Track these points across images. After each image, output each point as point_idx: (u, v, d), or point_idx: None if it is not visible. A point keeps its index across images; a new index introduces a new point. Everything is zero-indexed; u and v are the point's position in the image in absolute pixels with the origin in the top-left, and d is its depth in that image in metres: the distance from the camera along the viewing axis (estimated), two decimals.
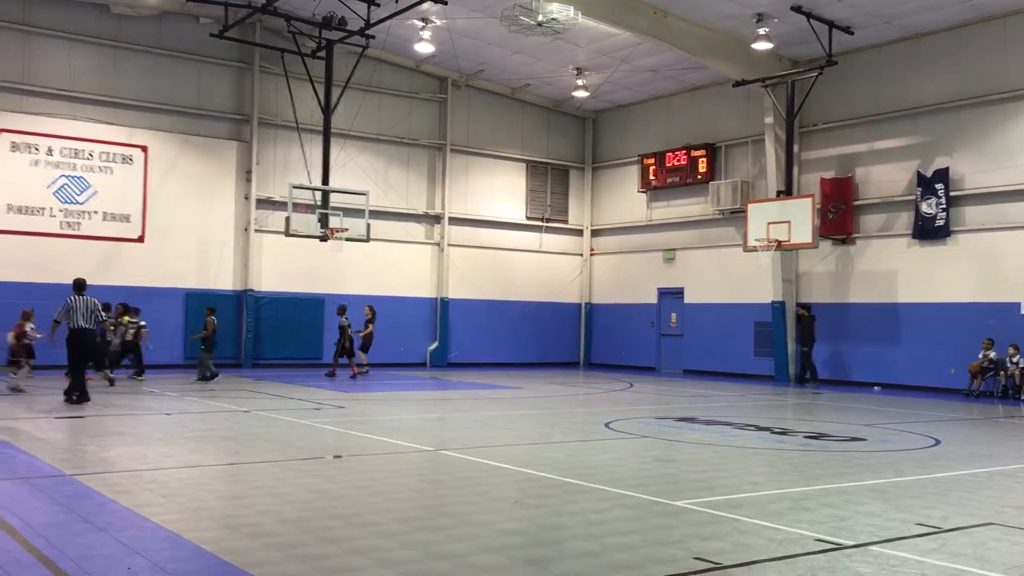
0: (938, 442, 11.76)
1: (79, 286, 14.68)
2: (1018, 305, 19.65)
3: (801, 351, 22.88)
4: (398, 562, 5.41)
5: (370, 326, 22.24)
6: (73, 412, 13.04)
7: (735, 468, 9.36)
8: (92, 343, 15.09)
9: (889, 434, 12.61)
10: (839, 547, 5.96)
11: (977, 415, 16.04)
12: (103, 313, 15.23)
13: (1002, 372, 19.48)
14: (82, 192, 21.99)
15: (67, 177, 21.82)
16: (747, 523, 6.66)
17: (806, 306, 23.02)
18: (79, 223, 21.90)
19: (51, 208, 21.62)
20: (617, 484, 8.15)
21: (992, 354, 19.58)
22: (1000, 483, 8.76)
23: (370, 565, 5.34)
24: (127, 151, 22.63)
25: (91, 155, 22.15)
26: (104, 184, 22.26)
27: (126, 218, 22.50)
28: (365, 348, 22.32)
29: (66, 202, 21.79)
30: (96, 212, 22.13)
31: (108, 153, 22.38)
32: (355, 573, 5.18)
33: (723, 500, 7.51)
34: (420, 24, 22.67)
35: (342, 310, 21.74)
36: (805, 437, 12.08)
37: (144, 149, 22.88)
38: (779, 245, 21.99)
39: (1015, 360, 19.19)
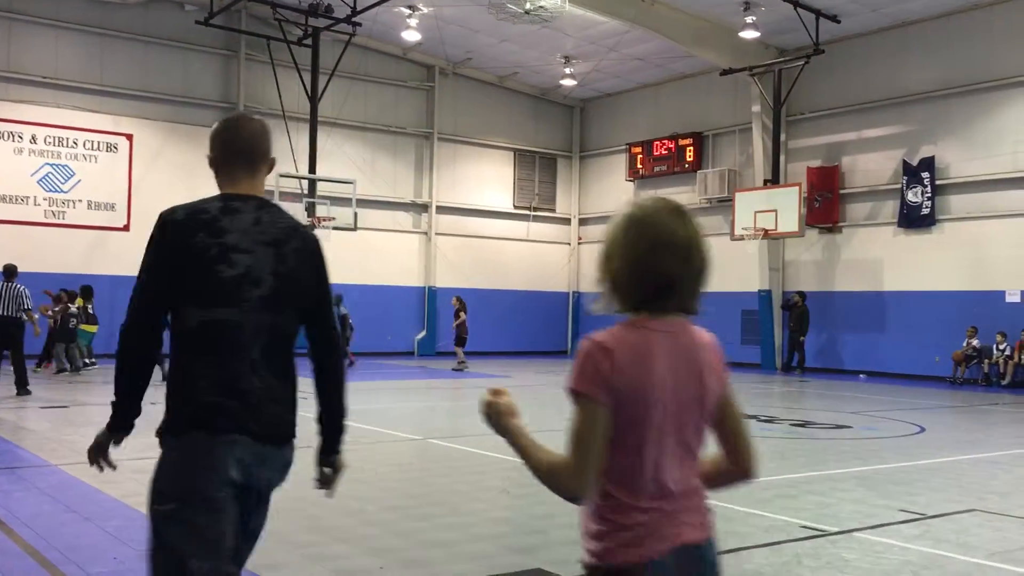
0: (922, 429, 11.86)
1: (8, 273, 13.94)
2: (1003, 293, 19.79)
3: (793, 338, 22.91)
4: (387, 550, 5.43)
5: (461, 315, 21.66)
6: (57, 402, 12.98)
7: None
8: (9, 332, 13.78)
9: (874, 422, 12.70)
10: (824, 533, 6.01)
11: (961, 403, 16.17)
12: (28, 301, 14.17)
13: (986, 360, 19.63)
14: (67, 180, 21.83)
15: (51, 165, 21.65)
16: (733, 510, 6.70)
17: (801, 294, 23.02)
18: (64, 212, 21.75)
19: (35, 197, 21.46)
20: None
21: (976, 342, 19.73)
22: (983, 470, 8.84)
23: (358, 553, 5.35)
24: (112, 139, 22.47)
25: (76, 143, 21.99)
26: (89, 173, 22.10)
27: (111, 207, 22.36)
28: (461, 341, 21.69)
29: (50, 191, 21.63)
30: (81, 201, 21.98)
31: (93, 141, 22.22)
32: (343, 561, 5.19)
33: None
34: (407, 11, 22.56)
35: (338, 300, 21.56)
36: (791, 425, 12.15)
37: (129, 137, 22.73)
38: (766, 234, 22.05)
39: (1002, 348, 19.34)
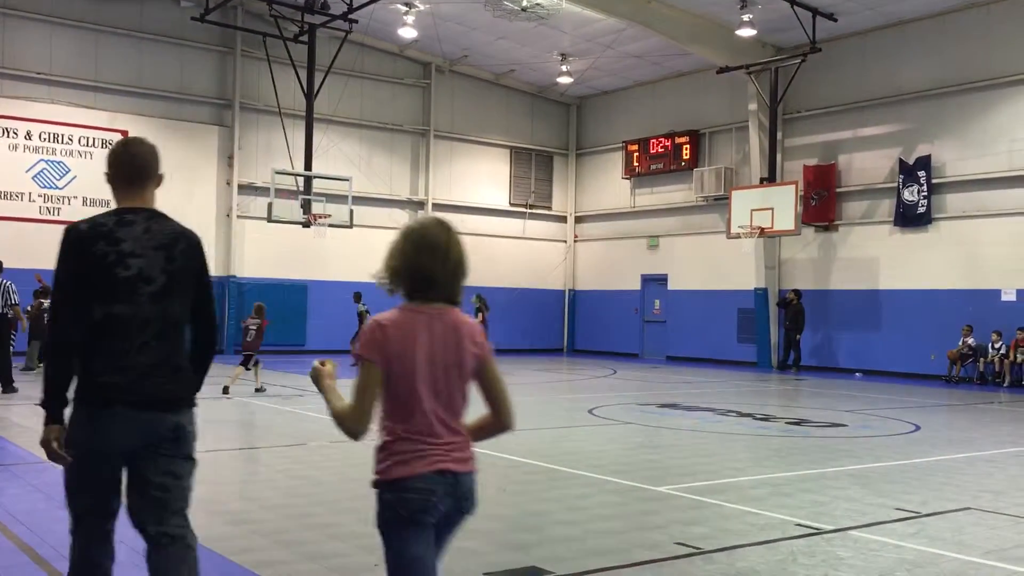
0: (918, 428, 11.87)
1: None
2: (998, 292, 19.82)
3: (788, 337, 22.89)
4: (381, 547, 5.41)
5: (481, 314, 21.45)
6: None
7: (717, 454, 9.42)
8: None
9: (869, 420, 12.72)
10: (819, 532, 6.01)
11: (956, 401, 16.19)
12: (15, 296, 13.92)
13: (981, 358, 19.66)
14: (61, 177, 21.78)
15: (46, 162, 21.61)
16: (729, 508, 6.70)
17: (796, 292, 23.02)
18: (59, 208, 21.70)
19: (30, 193, 21.41)
20: (600, 470, 8.18)
21: (971, 340, 19.76)
22: (978, 468, 8.85)
23: (353, 551, 5.35)
24: (107, 136, 22.41)
25: (71, 140, 21.94)
26: (84, 169, 22.04)
27: (106, 203, 22.19)
28: None
29: (45, 187, 21.59)
30: (76, 197, 21.93)
31: (88, 138, 22.17)
32: (338, 559, 5.18)
33: (705, 486, 7.56)
34: (403, 8, 22.53)
35: (358, 297, 21.70)
36: (787, 423, 12.16)
37: (124, 134, 22.65)
38: (762, 232, 22.07)
39: (997, 346, 19.37)
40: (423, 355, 2.83)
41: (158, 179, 3.67)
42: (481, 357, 2.93)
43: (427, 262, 2.88)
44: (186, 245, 3.56)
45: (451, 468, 2.85)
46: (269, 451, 8.93)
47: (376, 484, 2.89)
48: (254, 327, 14.83)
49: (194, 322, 3.60)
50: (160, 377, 3.40)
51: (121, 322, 3.35)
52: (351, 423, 2.84)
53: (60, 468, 3.45)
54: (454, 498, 2.87)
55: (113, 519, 3.53)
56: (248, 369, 14.61)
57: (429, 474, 2.81)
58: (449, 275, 2.92)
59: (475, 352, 2.91)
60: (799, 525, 6.17)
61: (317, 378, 3.00)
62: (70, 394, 3.38)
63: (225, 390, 13.85)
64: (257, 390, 14.59)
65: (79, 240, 3.40)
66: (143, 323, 3.38)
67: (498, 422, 3.02)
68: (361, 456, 8.86)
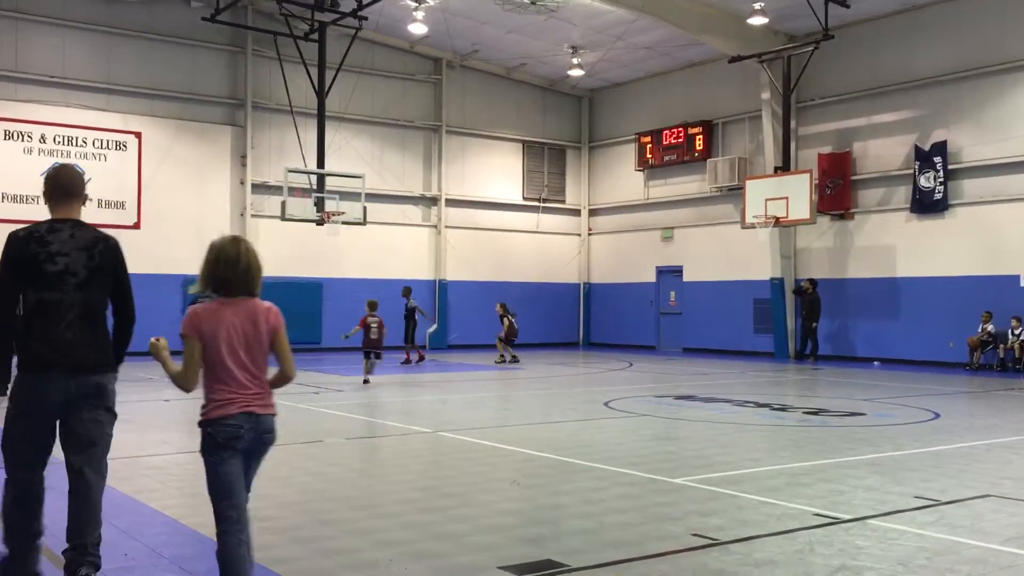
0: (937, 415, 11.77)
1: None
2: (1017, 277, 19.62)
3: (805, 326, 22.76)
4: (397, 543, 5.41)
5: (506, 321, 22.36)
6: None
7: (734, 445, 9.37)
8: None
9: (888, 408, 12.62)
10: (837, 521, 5.96)
11: (976, 388, 16.05)
12: None
13: (1001, 345, 19.48)
14: None
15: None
16: (746, 499, 6.66)
17: (812, 281, 22.87)
18: None
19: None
20: (616, 462, 8.15)
21: (991, 327, 19.58)
22: (998, 455, 8.77)
23: (368, 546, 5.34)
24: (121, 137, 22.53)
25: (85, 142, 22.05)
26: (98, 171, 22.16)
27: (121, 205, 22.44)
28: (509, 341, 22.21)
29: None
30: (91, 200, 22.01)
31: (102, 140, 22.28)
32: (354, 554, 5.18)
33: (722, 477, 7.52)
34: (413, 4, 22.47)
35: (407, 292, 21.98)
36: (804, 413, 12.08)
37: (138, 135, 22.78)
38: (777, 221, 21.93)
39: (1017, 332, 19.19)
40: (229, 331, 3.97)
41: (83, 198, 4.77)
42: (273, 330, 4.08)
43: (224, 270, 4.02)
44: (104, 247, 4.56)
45: (254, 410, 3.99)
46: (285, 448, 8.94)
47: (200, 423, 4.00)
48: (375, 323, 16.42)
49: (114, 307, 4.65)
50: (84, 348, 4.40)
51: (52, 305, 4.36)
52: (183, 381, 4.01)
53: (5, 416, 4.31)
54: (256, 432, 4.00)
55: (43, 468, 4.48)
56: (371, 360, 16.25)
57: (238, 414, 3.94)
58: (242, 277, 4.04)
59: (268, 327, 4.06)
60: (817, 515, 6.12)
61: (155, 351, 4.11)
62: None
63: (366, 381, 15.86)
64: (364, 382, 15.97)
65: (17, 242, 4.45)
66: (69, 306, 4.39)
67: (284, 374, 4.17)
68: (376, 453, 8.88)
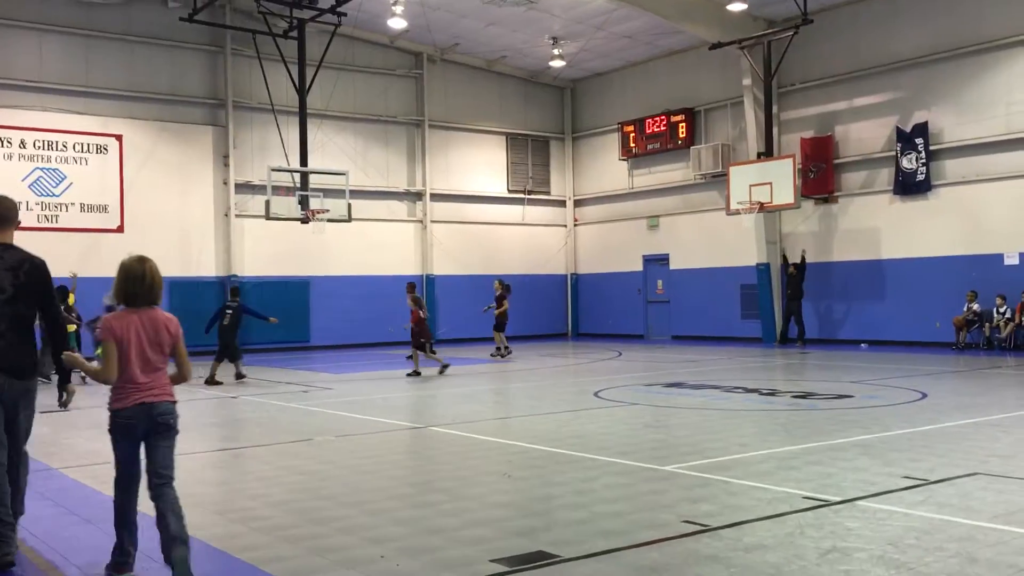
0: (924, 395, 11.85)
1: None
2: (1001, 256, 19.75)
3: (790, 307, 22.84)
4: (389, 539, 5.41)
5: (504, 302, 21.09)
6: (56, 407, 12.94)
7: (724, 431, 9.40)
8: None
9: (876, 390, 12.69)
10: (827, 503, 6.00)
11: (963, 367, 16.16)
12: None
13: (987, 324, 19.61)
14: (58, 184, 21.75)
15: (42, 170, 21.56)
16: (736, 484, 6.69)
17: (796, 262, 22.92)
18: (56, 216, 21.68)
19: (27, 202, 21.35)
20: (606, 452, 8.17)
21: (976, 306, 19.70)
22: (986, 433, 8.83)
23: (361, 543, 5.34)
24: (102, 141, 22.38)
25: (65, 146, 21.89)
26: (80, 175, 22.01)
27: (104, 209, 22.29)
28: (501, 327, 21.08)
29: (42, 195, 21.56)
30: (73, 204, 21.90)
31: (82, 144, 22.13)
32: (346, 552, 5.18)
33: (712, 463, 7.55)
34: None
35: (411, 287, 21.85)
36: (793, 397, 12.14)
37: (119, 138, 22.62)
38: (762, 207, 21.99)
39: (1002, 311, 19.32)
40: (135, 335, 4.73)
41: (17, 223, 5.37)
42: (174, 338, 4.87)
43: (132, 286, 4.80)
44: (30, 267, 5.18)
45: (147, 400, 4.74)
46: (275, 448, 8.93)
47: (109, 410, 4.79)
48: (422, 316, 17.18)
49: (42, 320, 5.38)
50: (14, 355, 5.11)
51: None
52: (103, 376, 4.75)
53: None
54: (151, 416, 4.74)
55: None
56: (421, 352, 16.93)
57: (133, 406, 4.73)
58: (147, 291, 4.82)
59: (171, 336, 4.85)
60: (807, 498, 6.16)
61: (72, 362, 5.18)
62: None
63: (416, 373, 16.51)
64: (410, 375, 16.52)
65: None
66: (1, 318, 5.06)
67: (181, 375, 4.99)
68: (366, 450, 8.87)
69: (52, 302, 5.32)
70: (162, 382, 4.83)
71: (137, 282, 4.79)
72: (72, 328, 18.70)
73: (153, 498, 4.74)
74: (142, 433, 4.76)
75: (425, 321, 17.31)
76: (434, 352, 17.14)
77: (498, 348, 21.06)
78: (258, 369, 18.85)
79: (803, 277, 22.61)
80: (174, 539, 4.63)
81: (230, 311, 16.39)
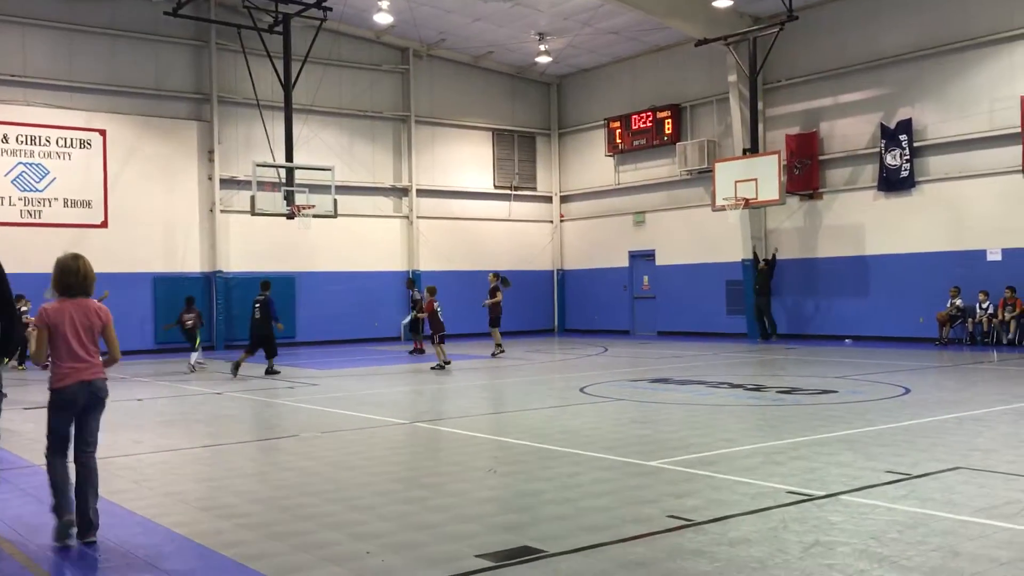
0: (908, 391, 11.92)
1: None
2: (984, 252, 19.89)
3: (760, 303, 23.16)
4: (374, 535, 5.41)
5: (498, 295, 20.16)
6: (40, 403, 12.87)
7: (709, 426, 9.44)
8: None
9: (860, 385, 12.76)
10: (810, 498, 6.03)
11: (946, 363, 16.27)
12: None
13: (970, 319, 19.74)
14: (41, 179, 21.60)
15: (25, 164, 21.41)
16: (720, 479, 6.72)
17: (767, 258, 23.29)
18: (40, 211, 21.54)
19: (10, 197, 21.23)
20: (592, 447, 8.19)
21: (959, 302, 19.83)
22: (968, 428, 8.90)
23: (346, 539, 5.33)
24: (85, 135, 22.23)
25: (48, 141, 21.74)
26: (63, 170, 21.87)
27: (87, 204, 22.16)
28: (495, 322, 20.29)
29: (25, 190, 21.40)
30: (56, 199, 21.76)
31: (65, 138, 21.97)
32: (331, 548, 5.17)
33: (697, 458, 7.57)
34: None
35: (411, 283, 22.12)
36: (778, 392, 12.19)
37: (102, 133, 22.48)
38: (747, 203, 22.06)
39: (984, 306, 19.45)
40: (69, 321, 5.43)
41: None
42: (104, 324, 5.57)
43: (66, 279, 5.51)
44: None
45: (85, 378, 5.45)
46: (259, 444, 8.91)
47: (49, 389, 5.45)
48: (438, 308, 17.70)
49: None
50: None
51: None
52: (35, 358, 5.82)
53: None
54: (88, 392, 5.47)
55: None
56: (435, 344, 17.46)
57: (72, 384, 5.42)
58: (80, 283, 5.53)
59: (98, 320, 5.55)
60: (791, 492, 6.19)
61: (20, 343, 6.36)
62: None
63: (445, 364, 17.08)
64: (442, 365, 17.01)
65: None
66: None
67: (112, 357, 5.63)
68: (352, 446, 8.86)
69: (7, 298, 5.58)
70: (96, 362, 5.51)
71: (72, 275, 5.50)
72: None
73: (78, 464, 5.46)
74: (79, 407, 5.46)
75: (438, 314, 17.63)
76: (443, 344, 17.60)
77: (499, 345, 20.18)
78: (244, 365, 18.77)
79: (772, 274, 22.94)
80: (88, 525, 5.38)
81: (258, 304, 16.65)
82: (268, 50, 22.30)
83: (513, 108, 29.39)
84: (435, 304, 17.67)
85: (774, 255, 23.20)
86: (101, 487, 6.90)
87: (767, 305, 23.04)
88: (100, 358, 5.57)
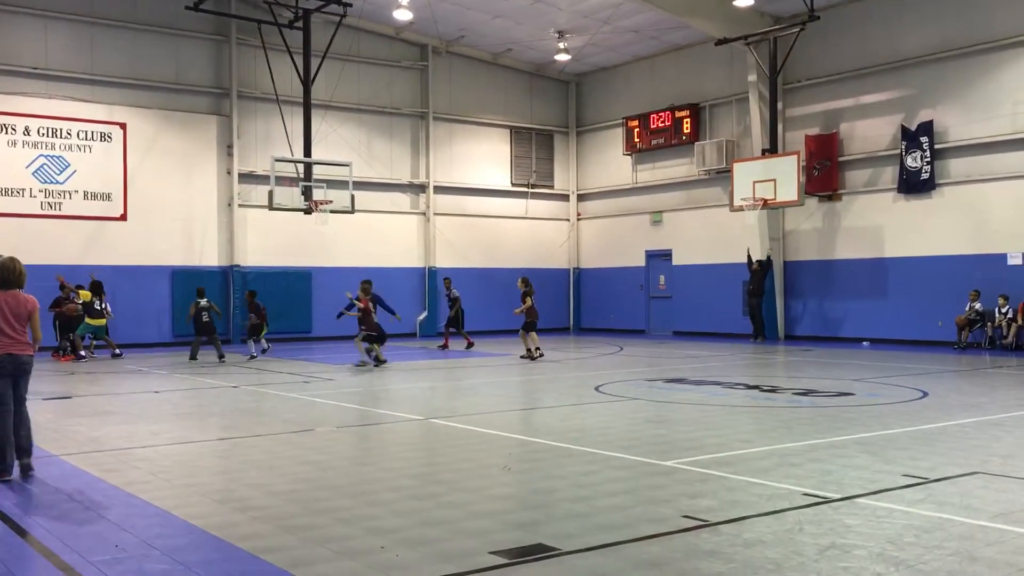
0: (926, 394, 11.84)
1: None
2: (1004, 256, 19.73)
3: (753, 304, 23.24)
4: (389, 530, 5.42)
5: (528, 300, 18.77)
6: (59, 393, 12.99)
7: (724, 427, 9.40)
8: None
9: (877, 388, 12.68)
10: (826, 500, 6.00)
11: (965, 366, 16.14)
12: None
13: (989, 323, 19.59)
14: (62, 171, 21.77)
15: (46, 157, 21.58)
16: (736, 480, 6.69)
17: (761, 259, 23.45)
18: (60, 203, 21.70)
19: (31, 189, 21.41)
20: (607, 446, 8.17)
21: (978, 305, 19.68)
22: (987, 432, 8.83)
23: (360, 534, 5.34)
24: (106, 128, 22.39)
25: (69, 133, 21.90)
26: (84, 163, 22.03)
27: (107, 196, 22.31)
28: (529, 326, 18.64)
29: (46, 182, 21.57)
30: (77, 191, 21.92)
31: (86, 131, 22.13)
32: (345, 542, 5.18)
33: (712, 459, 7.55)
34: None
35: (448, 283, 22.38)
36: (794, 394, 12.13)
37: (123, 126, 22.63)
38: (765, 204, 21.98)
39: (1004, 310, 19.30)
40: (7, 308, 7.09)
41: None
42: (30, 312, 7.21)
43: (4, 275, 7.18)
44: None
45: (11, 352, 7.10)
46: (276, 438, 8.95)
47: None
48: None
49: None
50: None
51: None
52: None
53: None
54: (14, 364, 7.12)
55: None
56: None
57: (3, 355, 7.06)
58: (15, 278, 7.22)
59: (27, 310, 7.19)
60: (807, 495, 6.16)
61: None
62: None
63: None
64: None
65: None
66: None
67: (35, 337, 7.26)
68: (367, 441, 8.88)
69: None
70: (22, 340, 7.20)
71: (9, 272, 7.23)
72: (95, 322, 18.87)
73: (15, 413, 7.16)
74: (9, 374, 7.12)
75: (372, 315, 17.56)
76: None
77: (536, 349, 18.62)
78: (259, 359, 18.88)
79: (765, 276, 23.07)
80: (23, 450, 7.12)
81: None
82: (288, 45, 22.37)
83: (531, 106, 29.38)
84: (370, 303, 17.35)
85: (769, 257, 23.23)
86: (119, 478, 7.00)
87: (758, 306, 23.09)
88: (28, 339, 7.21)
